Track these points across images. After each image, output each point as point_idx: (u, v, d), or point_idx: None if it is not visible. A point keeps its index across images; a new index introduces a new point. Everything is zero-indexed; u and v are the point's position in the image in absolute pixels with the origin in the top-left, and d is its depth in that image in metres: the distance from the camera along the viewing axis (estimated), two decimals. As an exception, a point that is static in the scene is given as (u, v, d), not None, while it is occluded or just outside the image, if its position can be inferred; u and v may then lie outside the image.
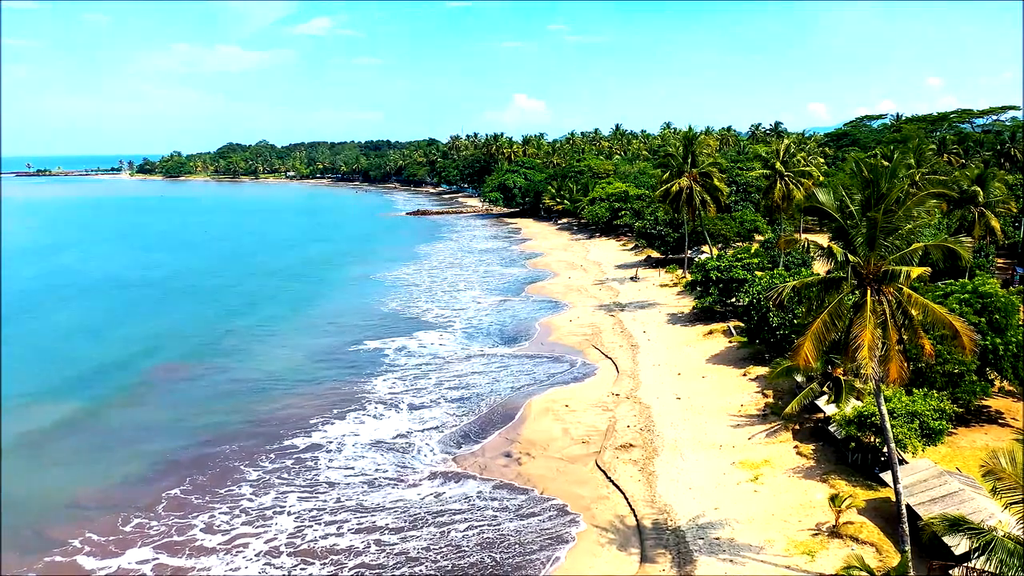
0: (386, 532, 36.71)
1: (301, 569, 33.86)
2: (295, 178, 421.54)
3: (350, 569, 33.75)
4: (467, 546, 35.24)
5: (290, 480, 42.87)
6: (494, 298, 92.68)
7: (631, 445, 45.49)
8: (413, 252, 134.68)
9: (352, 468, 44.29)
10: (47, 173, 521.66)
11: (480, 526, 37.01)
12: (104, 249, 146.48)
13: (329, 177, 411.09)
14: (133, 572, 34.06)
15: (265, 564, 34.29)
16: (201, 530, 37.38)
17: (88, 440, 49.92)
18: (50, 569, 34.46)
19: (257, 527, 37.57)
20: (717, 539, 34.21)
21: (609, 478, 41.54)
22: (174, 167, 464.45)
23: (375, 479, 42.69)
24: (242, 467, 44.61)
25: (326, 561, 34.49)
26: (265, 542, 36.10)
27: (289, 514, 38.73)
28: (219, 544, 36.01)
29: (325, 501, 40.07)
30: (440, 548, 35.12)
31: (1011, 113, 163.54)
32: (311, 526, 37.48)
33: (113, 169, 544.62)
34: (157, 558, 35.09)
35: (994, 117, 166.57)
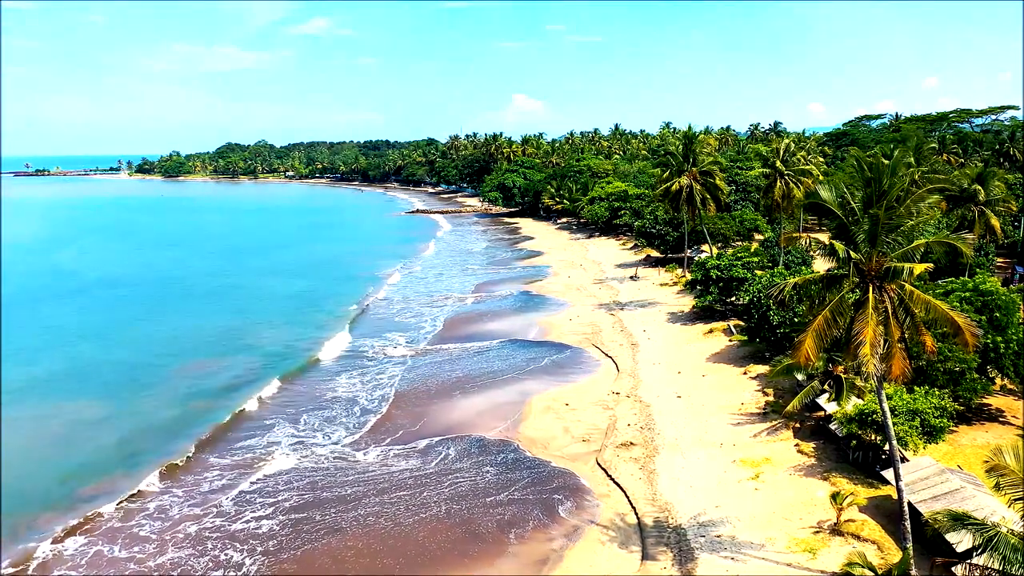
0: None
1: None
2: (294, 178, 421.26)
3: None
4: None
5: (244, 470, 43.83)
6: (493, 296, 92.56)
7: (632, 443, 45.45)
8: (411, 250, 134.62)
9: (337, 460, 44.40)
10: (46, 173, 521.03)
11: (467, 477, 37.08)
12: (102, 249, 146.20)
13: (328, 177, 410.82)
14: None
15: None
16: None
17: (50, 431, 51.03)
18: None
19: (201, 509, 38.68)
20: (718, 537, 34.17)
21: (610, 476, 41.50)
22: (173, 167, 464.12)
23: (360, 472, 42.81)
24: (212, 459, 45.88)
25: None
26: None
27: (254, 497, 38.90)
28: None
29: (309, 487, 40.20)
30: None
31: (1010, 113, 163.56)
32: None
33: (112, 169, 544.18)
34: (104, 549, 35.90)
35: (993, 117, 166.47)
